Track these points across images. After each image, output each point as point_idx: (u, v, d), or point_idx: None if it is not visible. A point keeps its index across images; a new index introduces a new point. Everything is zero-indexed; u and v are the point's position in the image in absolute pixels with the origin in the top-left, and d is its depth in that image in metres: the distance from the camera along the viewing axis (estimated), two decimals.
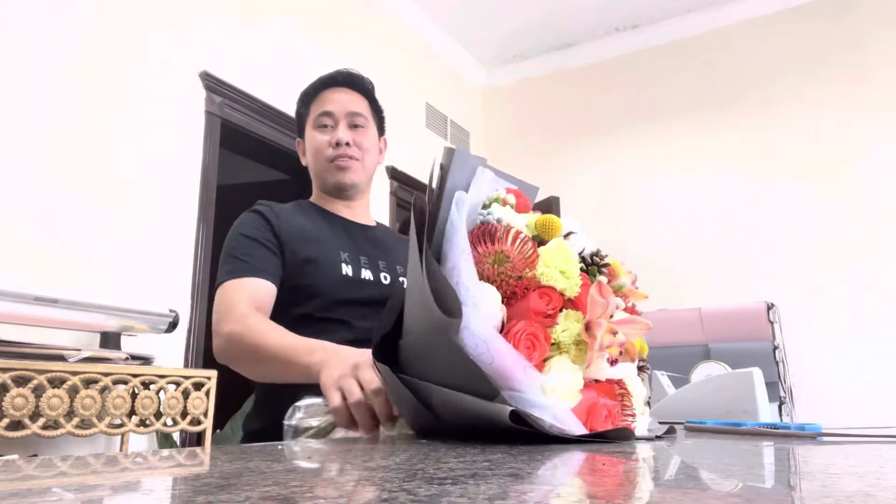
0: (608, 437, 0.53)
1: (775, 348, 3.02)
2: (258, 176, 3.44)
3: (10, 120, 1.94)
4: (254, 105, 2.81)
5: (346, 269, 1.09)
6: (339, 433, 0.71)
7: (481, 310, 0.52)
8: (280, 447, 0.56)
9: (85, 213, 2.09)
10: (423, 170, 4.00)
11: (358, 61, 3.49)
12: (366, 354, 0.76)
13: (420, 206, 0.57)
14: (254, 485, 0.30)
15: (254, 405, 1.14)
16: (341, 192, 1.21)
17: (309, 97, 1.22)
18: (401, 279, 1.16)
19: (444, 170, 0.60)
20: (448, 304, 0.50)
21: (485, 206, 0.61)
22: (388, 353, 0.62)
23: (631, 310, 0.65)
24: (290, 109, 2.95)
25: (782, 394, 2.89)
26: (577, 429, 0.52)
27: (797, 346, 3.25)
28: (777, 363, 2.97)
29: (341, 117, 1.18)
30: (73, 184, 2.07)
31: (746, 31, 3.90)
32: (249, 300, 1.00)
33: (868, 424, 0.79)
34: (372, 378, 0.70)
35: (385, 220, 3.66)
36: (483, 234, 0.56)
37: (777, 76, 3.76)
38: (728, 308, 3.23)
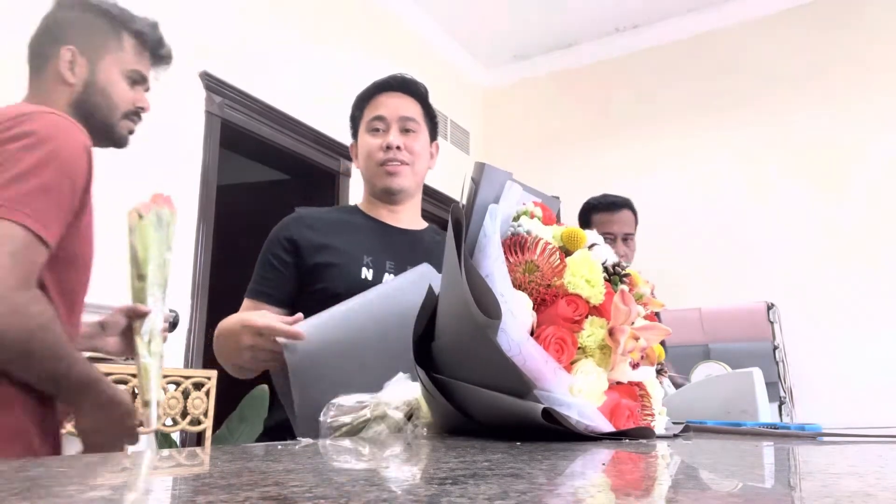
0: (631, 436, 0.57)
1: (775, 348, 3.02)
2: (258, 176, 3.44)
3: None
4: (254, 105, 2.81)
5: (367, 273, 1.11)
6: (372, 430, 0.73)
7: (515, 315, 0.55)
8: (280, 447, 0.56)
9: None
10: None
11: (358, 61, 3.50)
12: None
13: (457, 215, 0.60)
14: (254, 485, 0.30)
15: (269, 403, 1.21)
16: (389, 196, 1.22)
17: (363, 101, 1.23)
18: None
19: (475, 184, 0.64)
20: (487, 305, 0.53)
21: (514, 219, 0.65)
22: (422, 355, 0.65)
23: (650, 317, 0.69)
24: (290, 109, 2.97)
25: (782, 394, 2.89)
26: (605, 426, 0.56)
27: (797, 346, 3.25)
28: (777, 363, 2.97)
29: (393, 122, 1.19)
30: None
31: (746, 32, 3.90)
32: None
33: (868, 424, 0.79)
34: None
35: None
36: (514, 245, 0.61)
37: (777, 76, 3.76)
38: (728, 308, 3.23)
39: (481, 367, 0.55)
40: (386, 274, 1.14)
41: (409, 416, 0.73)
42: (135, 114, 1.13)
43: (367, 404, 0.76)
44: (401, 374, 0.83)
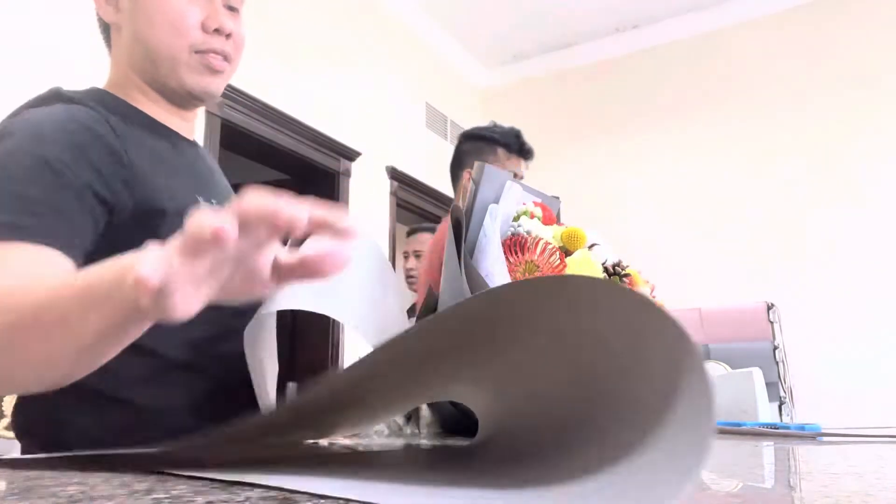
0: None
1: (775, 348, 3.02)
2: (258, 176, 3.44)
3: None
4: (254, 105, 2.81)
5: None
6: (372, 431, 0.72)
7: None
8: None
9: None
10: (423, 170, 4.00)
11: (358, 61, 3.50)
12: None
13: (457, 215, 0.60)
14: (254, 485, 0.30)
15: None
16: (194, 103, 0.80)
17: None
18: None
19: (475, 184, 0.63)
20: None
21: (514, 219, 0.65)
22: None
23: None
24: (290, 110, 2.97)
25: (782, 394, 2.89)
26: None
27: (797, 346, 3.25)
28: (777, 363, 2.97)
29: None
30: None
31: (747, 32, 3.90)
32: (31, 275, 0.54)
33: (868, 424, 0.79)
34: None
35: (385, 220, 3.67)
36: (514, 245, 0.61)
37: (777, 76, 3.76)
38: (728, 308, 3.22)
39: None
40: None
41: (409, 417, 0.73)
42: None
43: None
44: None
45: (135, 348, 0.50)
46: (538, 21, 4.12)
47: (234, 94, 2.71)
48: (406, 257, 2.47)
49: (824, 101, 3.57)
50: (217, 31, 0.75)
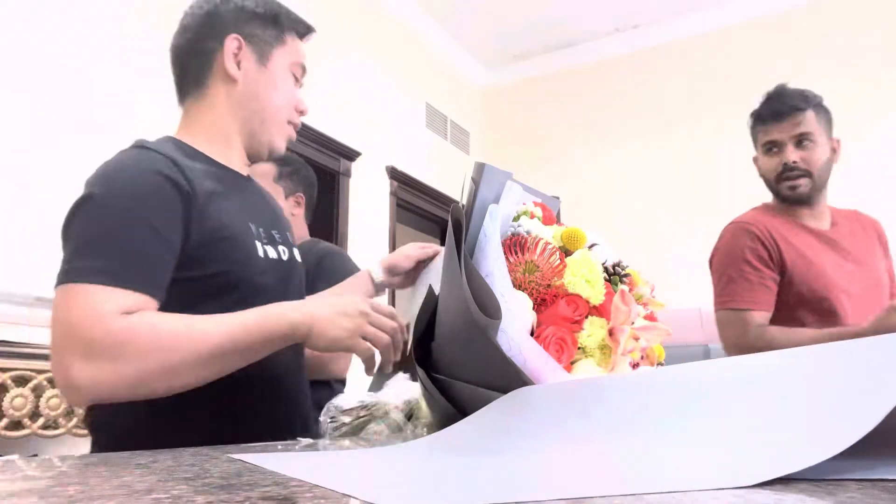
0: None
1: None
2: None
3: (10, 119, 1.94)
4: None
5: (263, 248, 0.86)
6: (372, 431, 0.73)
7: (516, 315, 0.55)
8: (280, 447, 0.56)
9: None
10: (423, 170, 4.00)
11: (358, 61, 3.50)
12: (359, 300, 0.75)
13: (457, 215, 0.59)
14: (254, 485, 0.30)
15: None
16: (266, 158, 0.97)
17: (292, 27, 0.98)
18: (293, 251, 0.96)
19: (475, 184, 0.63)
20: (487, 305, 0.53)
21: (514, 219, 0.65)
22: (422, 354, 0.65)
23: (650, 317, 0.69)
24: None
25: None
26: None
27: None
28: None
29: (301, 81, 1.01)
30: (73, 183, 2.07)
31: (747, 31, 3.90)
32: (122, 312, 0.69)
33: None
34: (386, 319, 0.74)
35: (385, 220, 3.67)
36: (514, 245, 0.61)
37: (777, 75, 3.75)
38: None
39: (481, 367, 0.55)
40: (278, 247, 0.90)
41: (410, 416, 0.73)
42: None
43: (367, 404, 0.76)
44: (400, 374, 0.82)
45: None
46: (538, 21, 4.12)
47: None
48: None
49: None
50: (302, 112, 0.97)
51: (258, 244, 0.86)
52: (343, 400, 0.78)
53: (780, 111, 1.69)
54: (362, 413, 0.76)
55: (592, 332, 0.59)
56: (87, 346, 0.66)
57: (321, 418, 0.77)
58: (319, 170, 3.25)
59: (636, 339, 0.61)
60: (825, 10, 3.69)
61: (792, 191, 1.59)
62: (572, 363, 0.58)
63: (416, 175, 3.90)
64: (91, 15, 2.22)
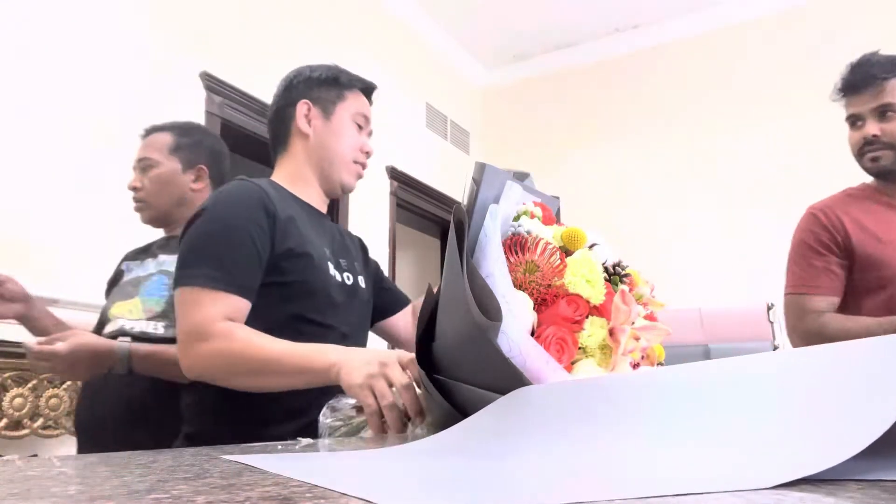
0: None
1: (775, 348, 3.02)
2: (258, 176, 3.44)
3: (10, 119, 1.94)
4: (254, 105, 2.81)
5: (335, 273, 1.06)
6: (370, 433, 0.73)
7: (516, 315, 0.55)
8: (280, 447, 0.56)
9: (85, 213, 2.09)
10: (422, 170, 4.00)
11: (358, 61, 3.50)
12: (388, 352, 0.82)
13: (459, 215, 0.59)
14: (254, 485, 0.30)
15: (189, 409, 1.05)
16: (340, 192, 1.18)
17: (352, 85, 1.20)
18: (359, 278, 1.14)
19: (476, 184, 0.62)
20: (488, 307, 0.53)
21: (514, 219, 0.65)
22: (423, 355, 0.65)
23: (650, 317, 0.69)
24: None
25: None
26: None
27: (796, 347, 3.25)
28: None
29: (368, 128, 1.21)
30: (73, 184, 2.07)
31: (747, 31, 3.90)
32: (225, 315, 0.92)
33: None
34: (401, 374, 0.75)
35: (385, 219, 3.67)
36: (514, 245, 0.60)
37: (776, 76, 3.76)
38: (728, 308, 3.23)
39: (481, 368, 0.55)
40: (345, 273, 1.09)
41: (409, 417, 0.73)
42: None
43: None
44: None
45: None
46: (538, 21, 4.12)
47: (234, 94, 2.71)
48: (134, 170, 1.51)
49: (825, 100, 3.57)
50: (367, 154, 1.19)
51: (330, 265, 1.05)
52: (342, 401, 0.78)
53: (856, 83, 1.60)
54: (361, 414, 0.76)
55: (593, 332, 0.59)
56: (197, 337, 0.90)
57: (320, 419, 0.77)
58: None
59: (637, 339, 0.61)
60: (826, 10, 3.69)
61: (874, 163, 1.51)
62: (573, 363, 0.58)
63: (416, 175, 3.90)
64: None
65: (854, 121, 1.59)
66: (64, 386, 1.58)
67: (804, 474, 0.27)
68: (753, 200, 3.69)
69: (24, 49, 2.00)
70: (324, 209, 1.18)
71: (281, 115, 1.17)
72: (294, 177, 1.15)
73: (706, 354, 2.76)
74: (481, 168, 0.63)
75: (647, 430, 0.38)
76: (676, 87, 4.04)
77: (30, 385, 1.51)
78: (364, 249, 1.29)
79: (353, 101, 1.18)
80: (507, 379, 0.52)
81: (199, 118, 2.56)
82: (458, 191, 4.16)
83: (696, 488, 0.26)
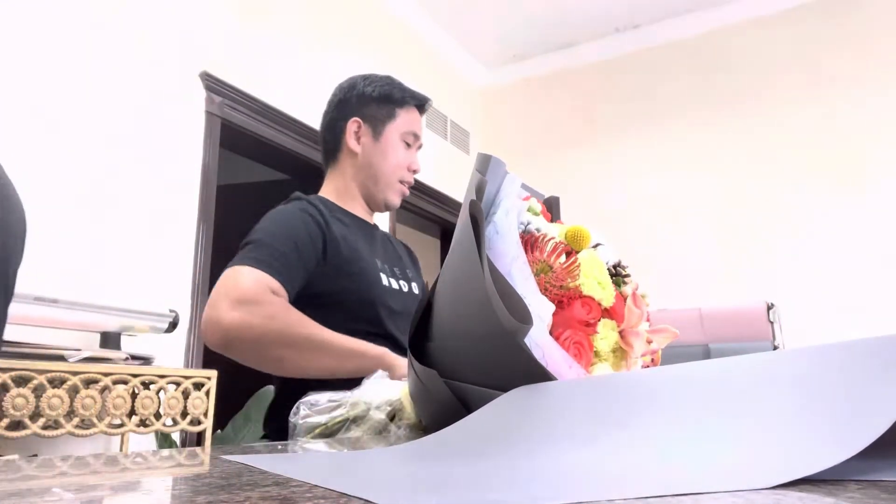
0: None
1: (775, 348, 3.02)
2: (258, 176, 3.45)
3: (10, 119, 1.94)
4: (254, 105, 2.81)
5: (386, 280, 1.11)
6: (351, 432, 0.71)
7: (542, 318, 0.53)
8: (280, 447, 0.56)
9: (85, 212, 2.09)
10: (422, 170, 3.99)
11: (358, 61, 3.50)
12: None
13: (474, 211, 0.55)
14: (254, 485, 0.30)
15: (272, 405, 1.11)
16: (384, 209, 1.23)
17: (405, 102, 1.21)
18: (413, 284, 1.17)
19: (482, 176, 0.58)
20: (514, 308, 0.50)
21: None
22: (418, 354, 0.62)
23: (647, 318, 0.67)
24: (290, 109, 2.97)
25: None
26: None
27: (797, 346, 3.24)
28: None
29: (417, 145, 1.24)
30: (72, 183, 2.07)
31: (746, 31, 3.90)
32: (271, 290, 0.96)
33: None
34: None
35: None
36: (525, 244, 0.57)
37: (777, 76, 3.76)
38: (728, 308, 3.22)
39: (501, 370, 0.52)
40: (399, 280, 1.13)
41: (392, 417, 0.70)
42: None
43: (341, 403, 0.72)
44: (379, 372, 0.78)
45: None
46: (538, 21, 4.12)
47: (234, 94, 2.71)
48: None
49: (825, 100, 3.57)
50: (414, 171, 1.22)
51: (382, 275, 1.09)
52: (317, 397, 0.74)
53: None
54: (339, 412, 0.72)
55: (605, 335, 0.57)
56: (240, 297, 0.92)
57: (291, 419, 0.73)
58: (319, 170, 3.25)
59: (649, 341, 0.60)
60: (826, 10, 3.68)
61: None
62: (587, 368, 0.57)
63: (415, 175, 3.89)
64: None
65: None
66: (65, 386, 1.58)
67: (804, 474, 0.27)
68: (753, 200, 3.69)
69: (23, 49, 2.00)
70: (371, 220, 1.24)
71: (332, 129, 1.23)
72: (341, 191, 1.21)
73: (706, 354, 2.76)
74: (486, 159, 0.60)
75: (647, 429, 0.38)
76: (676, 86, 4.04)
77: (30, 385, 1.51)
78: (412, 255, 1.32)
79: (403, 120, 1.20)
80: (534, 382, 0.49)
81: (199, 118, 2.56)
82: (458, 191, 4.16)
83: (695, 488, 0.26)
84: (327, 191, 1.23)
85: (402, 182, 1.20)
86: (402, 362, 0.88)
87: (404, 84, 1.25)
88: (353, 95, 1.21)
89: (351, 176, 1.21)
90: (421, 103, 1.24)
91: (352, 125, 1.19)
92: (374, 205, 1.22)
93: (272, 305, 0.93)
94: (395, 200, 1.22)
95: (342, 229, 1.09)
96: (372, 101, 1.20)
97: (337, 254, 1.05)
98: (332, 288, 1.03)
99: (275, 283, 0.96)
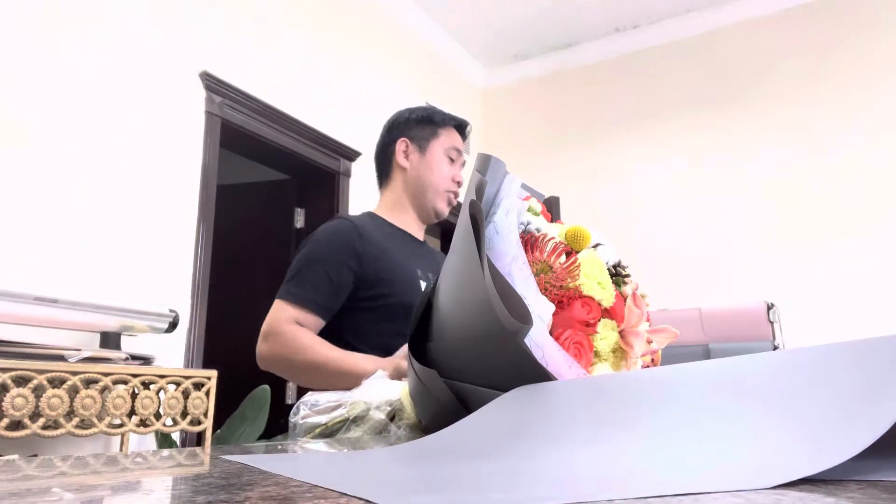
0: None
1: (775, 348, 3.01)
2: (258, 176, 3.44)
3: (10, 118, 1.94)
4: (254, 105, 2.81)
5: (423, 286, 1.20)
6: (351, 432, 0.71)
7: (543, 318, 0.53)
8: (280, 447, 0.56)
9: (85, 212, 2.09)
10: None
11: (358, 61, 3.50)
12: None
13: (475, 211, 0.55)
14: (254, 485, 0.30)
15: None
16: (435, 218, 1.34)
17: (445, 123, 1.36)
18: None
19: (482, 176, 0.58)
20: (513, 308, 0.50)
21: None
22: (418, 354, 0.62)
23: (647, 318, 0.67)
24: (290, 109, 2.97)
25: None
26: None
27: (797, 346, 3.24)
28: None
29: (461, 160, 1.36)
30: (72, 183, 2.07)
31: (746, 31, 3.90)
32: (293, 320, 1.14)
33: None
34: None
35: None
36: (525, 244, 0.57)
37: (777, 76, 3.76)
38: (728, 308, 3.22)
39: (501, 371, 0.52)
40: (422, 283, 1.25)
41: (392, 417, 0.69)
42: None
43: (341, 403, 0.72)
44: (379, 372, 0.79)
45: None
46: (538, 21, 4.12)
47: (234, 94, 2.71)
48: None
49: (825, 100, 3.57)
50: (459, 183, 1.34)
51: (422, 283, 1.19)
52: (317, 397, 0.73)
53: None
54: (339, 413, 0.72)
55: (605, 335, 0.57)
56: (266, 331, 1.13)
57: (290, 419, 0.73)
58: (319, 170, 3.25)
59: (649, 341, 0.60)
60: (826, 10, 3.68)
61: None
62: (587, 368, 0.56)
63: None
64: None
65: None
66: (64, 386, 1.58)
67: (804, 474, 0.27)
68: (753, 200, 3.69)
69: (23, 48, 2.00)
70: (420, 236, 1.37)
71: (384, 152, 1.36)
72: (393, 206, 1.33)
73: (706, 354, 2.76)
74: (486, 160, 0.59)
75: (646, 429, 0.38)
76: (676, 86, 4.04)
77: (30, 385, 1.51)
78: None
79: (446, 138, 1.34)
80: (534, 382, 0.49)
81: (199, 118, 2.56)
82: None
83: (695, 488, 0.26)
84: (380, 207, 1.36)
85: (448, 192, 1.33)
86: (397, 358, 1.01)
87: (444, 111, 1.42)
88: (400, 122, 1.37)
89: (402, 189, 1.33)
90: (459, 124, 1.38)
91: (400, 145, 1.33)
92: (424, 214, 1.34)
93: (284, 335, 1.11)
94: (444, 208, 1.34)
95: (383, 240, 1.23)
96: (416, 123, 1.36)
97: (377, 268, 1.18)
98: (373, 293, 1.16)
99: (301, 314, 1.13)
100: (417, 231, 1.36)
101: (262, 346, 1.15)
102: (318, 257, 1.18)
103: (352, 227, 1.21)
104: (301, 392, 1.00)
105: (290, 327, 1.12)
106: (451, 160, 1.34)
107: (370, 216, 1.32)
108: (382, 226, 1.30)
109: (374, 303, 1.17)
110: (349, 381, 0.99)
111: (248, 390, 2.24)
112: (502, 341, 0.50)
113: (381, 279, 1.17)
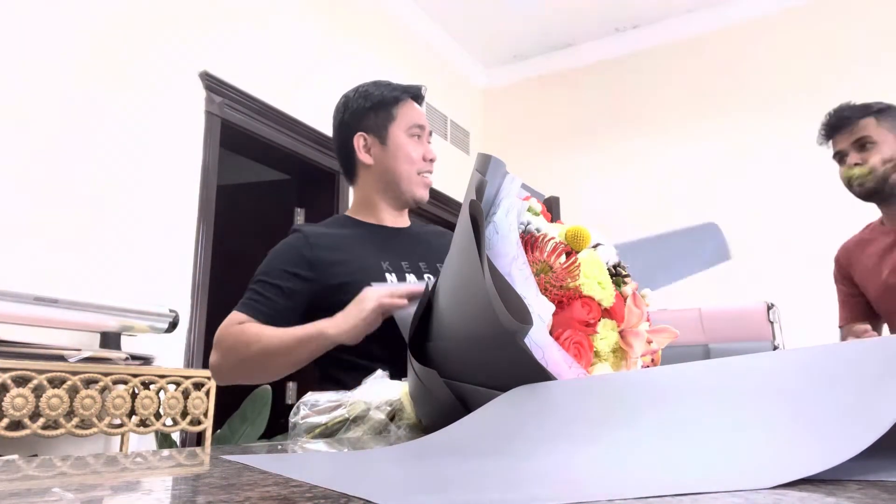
0: None
1: (775, 348, 3.01)
2: (258, 176, 3.44)
3: (10, 117, 1.94)
4: (254, 105, 2.81)
5: (390, 278, 1.13)
6: (351, 432, 0.71)
7: (543, 319, 0.53)
8: (280, 447, 0.56)
9: (85, 212, 2.09)
10: None
11: (358, 61, 3.50)
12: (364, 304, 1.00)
13: (475, 211, 0.55)
14: (254, 485, 0.30)
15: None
16: (414, 203, 1.24)
17: (399, 100, 1.23)
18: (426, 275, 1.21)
19: (482, 176, 0.58)
20: (513, 309, 0.50)
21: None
22: (418, 354, 0.62)
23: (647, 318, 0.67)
24: (290, 109, 2.97)
25: None
26: None
27: (797, 346, 3.24)
28: None
29: (426, 133, 1.25)
30: (72, 183, 2.07)
31: (747, 31, 3.90)
32: (239, 323, 1.10)
33: None
34: (388, 291, 1.00)
35: None
36: (525, 245, 0.57)
37: (777, 76, 3.76)
38: (728, 308, 3.22)
39: (501, 371, 0.52)
40: (407, 274, 1.16)
41: (392, 417, 0.70)
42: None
43: (341, 403, 0.72)
44: (379, 372, 0.78)
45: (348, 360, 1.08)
46: (538, 21, 4.12)
47: (234, 94, 2.71)
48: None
49: (825, 100, 3.57)
50: (431, 160, 1.23)
51: (389, 276, 1.14)
52: (317, 397, 0.73)
53: (834, 125, 1.93)
54: (339, 413, 0.72)
55: (605, 335, 0.57)
56: (214, 343, 1.08)
57: (290, 419, 0.73)
58: (319, 170, 3.25)
59: (649, 341, 0.60)
60: (826, 10, 3.69)
61: (861, 188, 1.77)
62: (587, 369, 0.56)
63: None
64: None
65: (840, 157, 1.88)
66: (64, 386, 1.57)
67: (804, 474, 0.27)
68: (754, 200, 3.69)
69: (23, 49, 2.00)
70: (402, 223, 1.27)
71: (343, 150, 1.25)
72: (363, 204, 1.25)
73: (706, 354, 2.76)
74: (486, 160, 0.59)
75: (646, 429, 0.38)
76: (676, 87, 4.04)
77: (30, 385, 1.51)
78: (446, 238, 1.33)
79: (404, 117, 1.22)
80: (534, 382, 0.49)
81: (199, 118, 2.56)
82: (458, 191, 4.16)
83: (695, 488, 0.26)
84: (352, 207, 1.29)
85: (420, 174, 1.22)
86: (336, 322, 0.99)
87: (392, 82, 1.26)
88: (349, 113, 1.24)
89: (372, 186, 1.24)
90: (414, 94, 1.25)
91: (358, 140, 1.22)
92: (402, 204, 1.24)
93: (231, 335, 1.06)
94: (422, 193, 1.23)
95: (341, 243, 1.17)
96: (368, 111, 1.22)
97: (329, 268, 1.13)
98: (337, 298, 1.09)
99: (249, 320, 1.09)
100: (395, 219, 1.26)
101: (212, 357, 1.08)
102: (264, 271, 1.15)
103: (300, 237, 1.17)
104: (301, 392, 1.00)
105: (236, 328, 1.06)
106: (417, 137, 1.23)
107: (337, 220, 1.26)
108: (348, 227, 1.23)
109: (341, 306, 1.10)
110: (311, 346, 1.00)
111: (248, 390, 2.24)
112: (502, 341, 0.50)
113: (341, 282, 1.11)
